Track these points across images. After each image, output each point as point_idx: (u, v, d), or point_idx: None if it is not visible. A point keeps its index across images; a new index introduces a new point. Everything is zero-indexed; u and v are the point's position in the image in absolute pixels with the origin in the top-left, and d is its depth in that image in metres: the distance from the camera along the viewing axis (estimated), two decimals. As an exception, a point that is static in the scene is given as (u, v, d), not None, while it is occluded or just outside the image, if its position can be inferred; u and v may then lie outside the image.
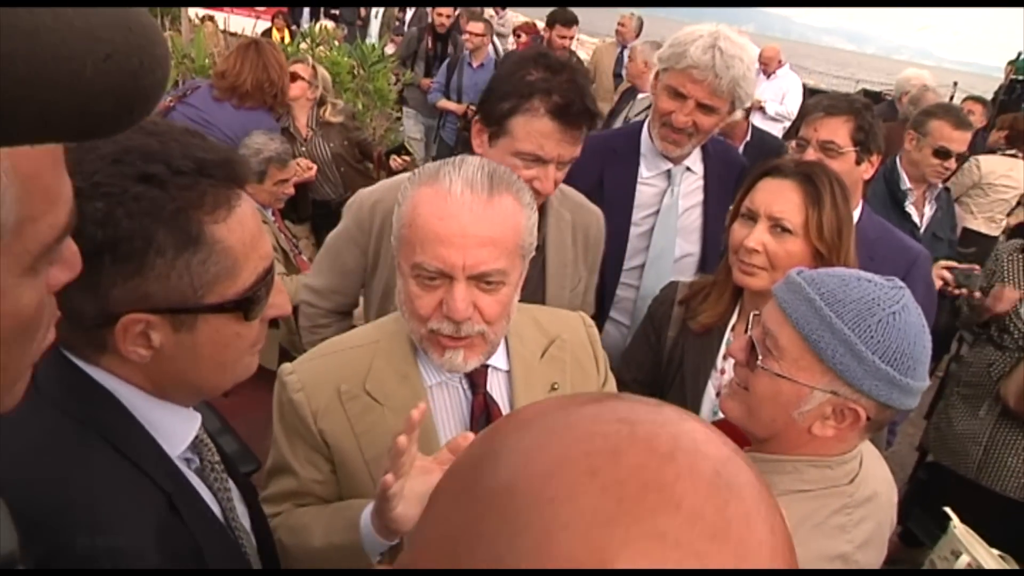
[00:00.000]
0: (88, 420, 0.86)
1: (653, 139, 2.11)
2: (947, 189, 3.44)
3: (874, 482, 1.24)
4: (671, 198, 2.15)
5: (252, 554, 1.08)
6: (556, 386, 1.34)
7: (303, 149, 4.15)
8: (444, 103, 6.37)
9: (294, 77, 4.06)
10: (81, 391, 0.87)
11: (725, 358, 1.70)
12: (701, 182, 2.20)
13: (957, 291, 2.69)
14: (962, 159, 3.07)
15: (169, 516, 0.87)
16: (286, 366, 1.28)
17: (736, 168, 2.31)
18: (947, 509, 2.19)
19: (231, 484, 1.07)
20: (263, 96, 3.42)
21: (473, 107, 6.06)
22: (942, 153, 3.00)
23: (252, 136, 3.31)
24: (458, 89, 6.32)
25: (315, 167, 4.07)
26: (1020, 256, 2.79)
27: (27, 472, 0.78)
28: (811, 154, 2.18)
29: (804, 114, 2.45)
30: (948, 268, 2.72)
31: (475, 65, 6.33)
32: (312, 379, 1.24)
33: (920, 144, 3.06)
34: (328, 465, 1.26)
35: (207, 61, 4.93)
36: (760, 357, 1.18)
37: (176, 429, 0.95)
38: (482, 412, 1.27)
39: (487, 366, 1.28)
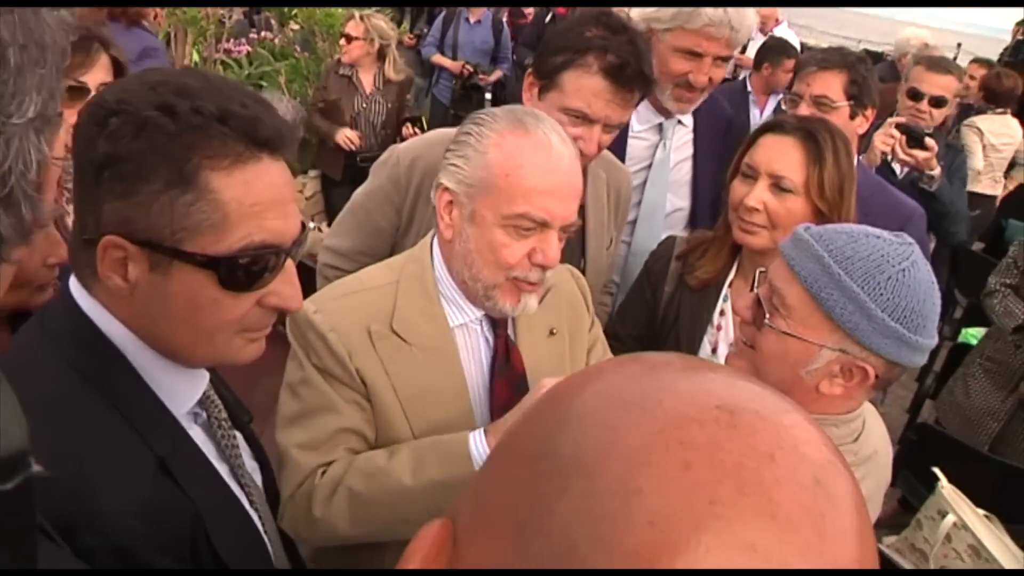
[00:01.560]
0: (92, 376, 0.84)
1: (663, 101, 2.05)
2: (953, 147, 3.37)
3: (874, 439, 1.25)
4: (664, 152, 2.12)
5: (262, 505, 1.06)
6: (554, 331, 1.37)
7: (364, 105, 4.25)
8: (439, 59, 6.12)
9: (348, 39, 4.12)
10: (90, 345, 0.86)
11: (721, 314, 1.69)
12: (691, 135, 2.17)
13: (909, 156, 2.51)
14: (938, 103, 2.97)
15: (159, 479, 0.85)
16: (307, 305, 1.22)
17: (723, 120, 2.27)
18: (935, 469, 2.21)
19: (239, 438, 1.04)
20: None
21: (469, 65, 5.92)
22: (913, 94, 2.97)
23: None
24: (453, 45, 6.05)
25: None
26: None
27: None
28: (804, 109, 2.15)
29: (797, 68, 2.39)
30: (897, 125, 2.55)
31: (472, 20, 6.12)
32: (339, 318, 1.22)
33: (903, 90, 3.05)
34: (368, 404, 1.23)
35: (199, 13, 4.81)
36: (767, 315, 1.16)
37: (182, 387, 0.93)
38: (503, 353, 1.30)
39: None
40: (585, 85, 1.57)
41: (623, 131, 2.09)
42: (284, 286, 0.90)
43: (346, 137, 4.19)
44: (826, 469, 0.36)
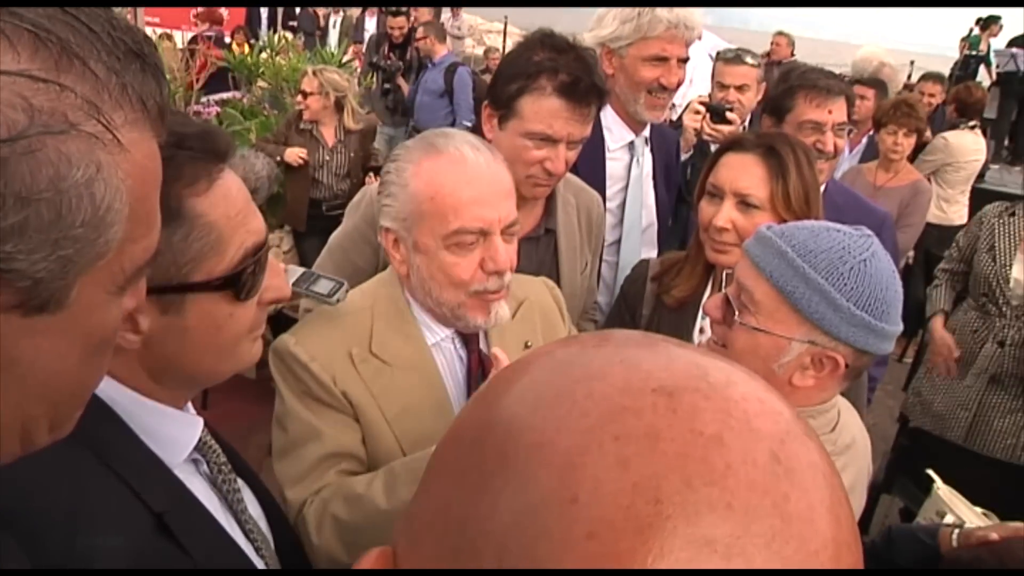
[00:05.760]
0: (82, 436, 0.79)
1: (637, 113, 2.09)
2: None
3: (851, 429, 1.27)
4: (638, 169, 2.16)
5: (269, 555, 1.03)
6: (529, 343, 1.38)
7: (327, 158, 4.33)
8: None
9: (305, 95, 4.23)
10: None
11: (701, 332, 1.70)
12: (650, 153, 2.23)
13: (716, 131, 2.46)
14: (741, 89, 3.06)
15: (156, 539, 0.82)
16: (286, 338, 1.26)
17: (671, 140, 2.34)
18: (930, 471, 2.21)
19: (241, 484, 1.01)
20: None
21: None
22: (720, 86, 3.09)
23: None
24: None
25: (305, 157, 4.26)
26: (1009, 218, 2.79)
27: (10, 490, 0.71)
28: (829, 137, 2.11)
29: (789, 92, 2.19)
30: (700, 103, 2.56)
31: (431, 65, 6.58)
32: (319, 346, 1.25)
33: None
34: (358, 425, 1.24)
35: (168, 76, 4.86)
36: (737, 313, 1.18)
37: (176, 436, 0.90)
38: (478, 368, 1.32)
39: None
40: (543, 107, 1.60)
41: (600, 152, 2.14)
42: (273, 278, 0.93)
43: (295, 155, 4.22)
44: (784, 442, 0.32)
